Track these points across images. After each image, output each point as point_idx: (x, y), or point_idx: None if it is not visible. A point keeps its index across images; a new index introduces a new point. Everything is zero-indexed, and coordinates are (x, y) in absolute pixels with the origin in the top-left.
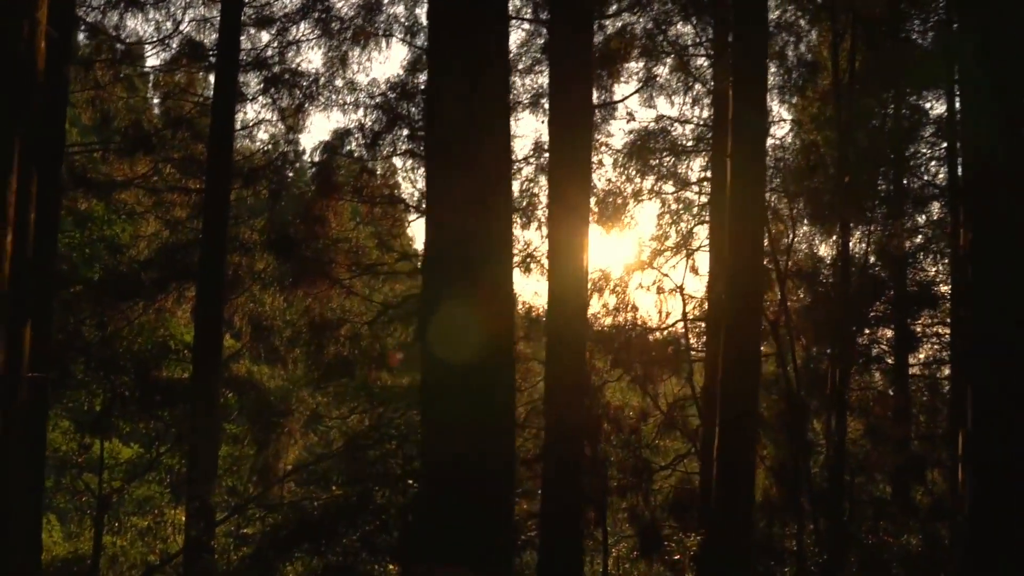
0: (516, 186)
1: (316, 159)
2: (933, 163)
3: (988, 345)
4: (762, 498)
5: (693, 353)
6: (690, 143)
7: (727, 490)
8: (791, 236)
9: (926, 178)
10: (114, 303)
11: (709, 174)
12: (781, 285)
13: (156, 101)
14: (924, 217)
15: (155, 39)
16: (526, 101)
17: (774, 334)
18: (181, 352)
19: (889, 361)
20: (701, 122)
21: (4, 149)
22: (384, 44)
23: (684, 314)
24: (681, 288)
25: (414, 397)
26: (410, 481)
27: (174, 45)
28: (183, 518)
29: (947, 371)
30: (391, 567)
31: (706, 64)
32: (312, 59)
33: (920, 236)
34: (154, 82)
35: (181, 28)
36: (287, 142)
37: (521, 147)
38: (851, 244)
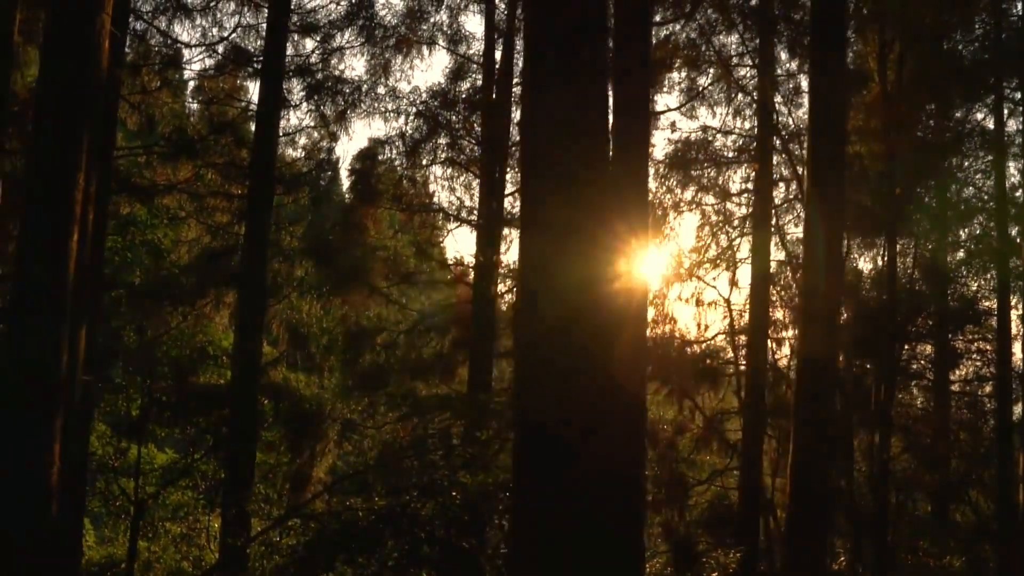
0: None
1: (356, 166)
2: (979, 176)
3: None
4: (773, 520)
5: (732, 367)
6: (732, 154)
7: (803, 518)
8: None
9: (971, 190)
10: (154, 308)
11: (750, 185)
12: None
13: (199, 107)
14: (966, 231)
15: (202, 44)
16: None
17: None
18: (219, 358)
19: (929, 377)
20: (744, 133)
21: (74, 146)
22: (427, 52)
23: (731, 327)
24: (728, 301)
25: (455, 407)
26: (454, 493)
27: (220, 51)
28: (217, 525)
29: (988, 388)
30: None
31: (750, 75)
32: (355, 66)
33: (962, 251)
34: (198, 87)
35: (227, 35)
36: (329, 149)
37: None
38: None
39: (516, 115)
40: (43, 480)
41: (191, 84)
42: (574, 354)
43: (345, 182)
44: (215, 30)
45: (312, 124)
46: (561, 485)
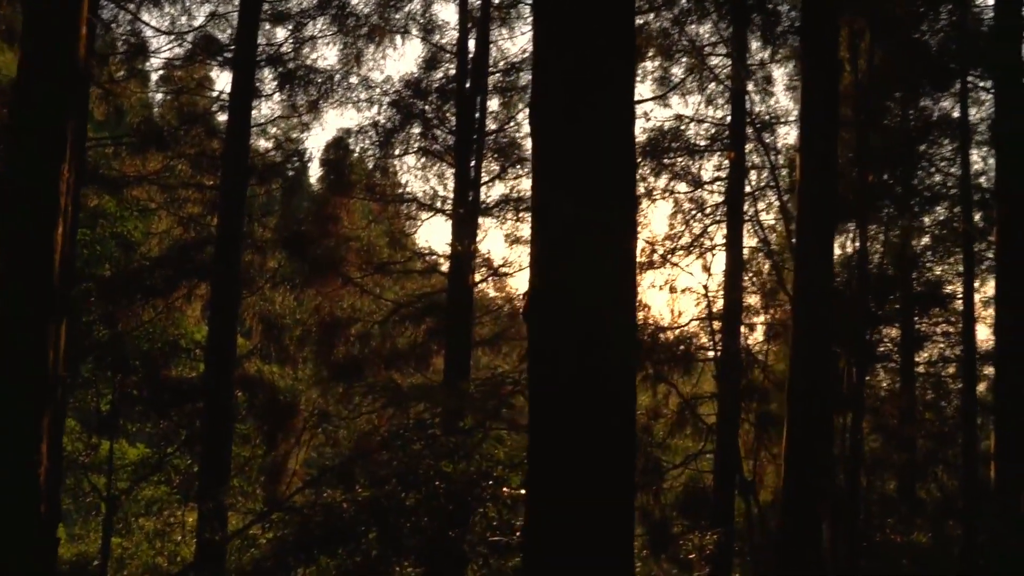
0: (529, 184)
1: (329, 156)
2: (944, 163)
3: None
4: (773, 497)
5: (706, 353)
6: (704, 142)
7: (798, 498)
8: None
9: (937, 178)
10: (124, 301)
11: (723, 173)
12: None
13: (168, 97)
14: (931, 218)
15: (171, 33)
16: None
17: (786, 335)
18: (192, 351)
19: (895, 359)
20: (716, 121)
21: (58, 136)
22: (400, 41)
23: (709, 312)
24: (705, 287)
25: (436, 396)
26: (437, 483)
27: (190, 40)
28: (192, 519)
29: (952, 369)
30: (410, 569)
31: (722, 63)
32: (327, 56)
33: (928, 236)
34: (166, 77)
35: (197, 23)
36: (301, 139)
37: None
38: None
39: (492, 104)
40: (31, 479)
41: (156, 74)
42: (585, 339)
43: (318, 172)
44: (184, 18)
45: (284, 114)
46: (571, 452)
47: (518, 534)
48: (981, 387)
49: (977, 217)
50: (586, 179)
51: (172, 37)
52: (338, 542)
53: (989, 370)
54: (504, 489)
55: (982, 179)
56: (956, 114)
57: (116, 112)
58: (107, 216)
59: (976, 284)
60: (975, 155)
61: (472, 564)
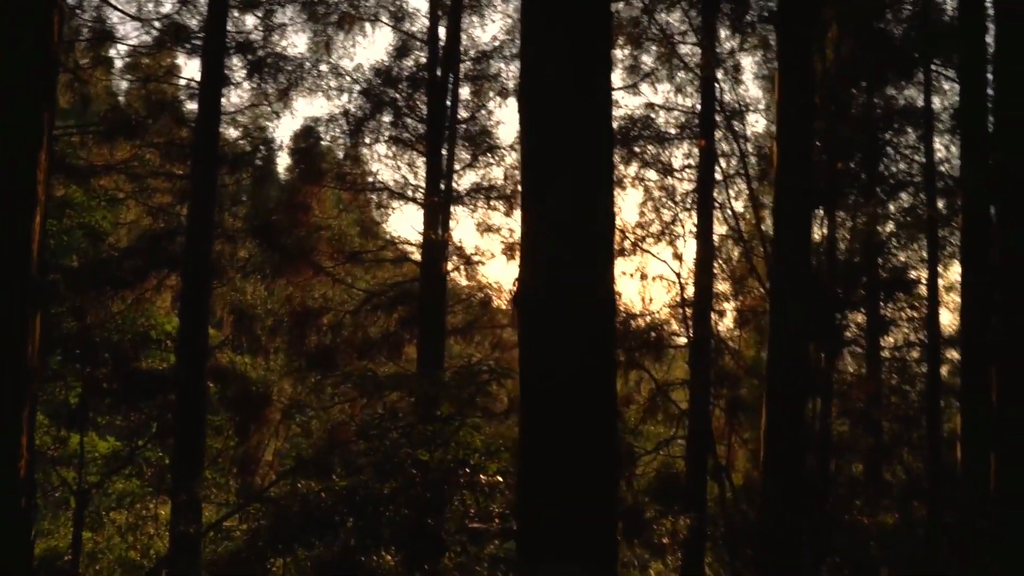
0: (500, 173)
1: (299, 145)
2: (908, 151)
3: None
4: (744, 481)
5: (678, 339)
6: (674, 130)
7: (778, 482)
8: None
9: (902, 166)
10: (93, 292)
11: (693, 161)
12: (768, 270)
13: (135, 85)
14: (895, 205)
15: (138, 19)
16: (512, 87)
17: (756, 321)
18: (163, 342)
19: (862, 344)
20: (686, 110)
21: (35, 125)
22: (370, 29)
23: (682, 299)
24: (678, 274)
25: (412, 385)
26: (414, 471)
27: (157, 27)
28: (164, 512)
29: (916, 354)
30: (388, 557)
31: (692, 52)
32: (297, 43)
33: (892, 223)
34: (133, 65)
35: (164, 9)
36: (271, 128)
37: (506, 134)
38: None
39: (463, 93)
40: (12, 473)
41: (123, 61)
42: (572, 327)
43: (288, 161)
44: (151, 4)
45: (254, 102)
46: (558, 435)
47: (496, 520)
48: (943, 370)
49: (940, 204)
50: (580, 166)
51: (139, 23)
52: (316, 532)
53: (952, 354)
54: (481, 476)
55: (944, 166)
56: (920, 103)
57: (82, 100)
58: (74, 206)
59: (939, 270)
60: (938, 143)
61: (450, 551)
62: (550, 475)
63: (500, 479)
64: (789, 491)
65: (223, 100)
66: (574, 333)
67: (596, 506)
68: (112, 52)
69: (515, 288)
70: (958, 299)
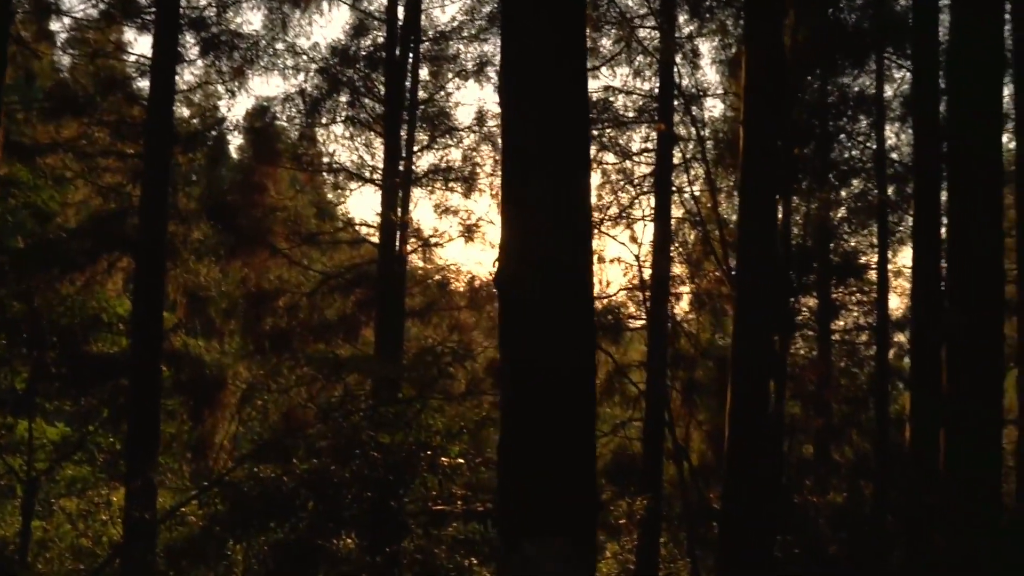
0: (459, 154)
1: (255, 125)
2: (860, 137)
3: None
4: (699, 462)
5: (635, 322)
6: (632, 114)
7: (743, 459)
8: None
9: (854, 152)
10: (40, 274)
11: (651, 145)
12: (724, 255)
13: (82, 61)
14: (847, 191)
15: None
16: (471, 68)
17: (712, 304)
18: (115, 325)
19: (814, 327)
20: (644, 93)
21: None
22: (327, 7)
23: (641, 282)
24: (637, 257)
25: (373, 368)
26: (375, 453)
27: (105, 0)
28: (116, 499)
29: (864, 337)
30: (348, 540)
31: (651, 35)
32: (252, 21)
33: (844, 208)
34: (81, 39)
35: None
36: (225, 107)
37: (465, 115)
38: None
39: (422, 74)
40: None
41: (65, 35)
42: (558, 307)
43: (242, 141)
44: None
45: (208, 81)
46: (542, 416)
47: (459, 503)
48: (890, 354)
49: (890, 190)
50: (561, 154)
51: None
52: (276, 516)
53: (899, 337)
54: (443, 459)
55: (894, 154)
56: (872, 91)
57: (26, 75)
58: (19, 185)
59: (890, 255)
60: (888, 131)
61: (412, 533)
62: (533, 455)
63: (462, 461)
64: (752, 473)
65: (176, 78)
66: (556, 316)
67: (578, 485)
68: (57, 26)
69: (495, 270)
70: (906, 284)
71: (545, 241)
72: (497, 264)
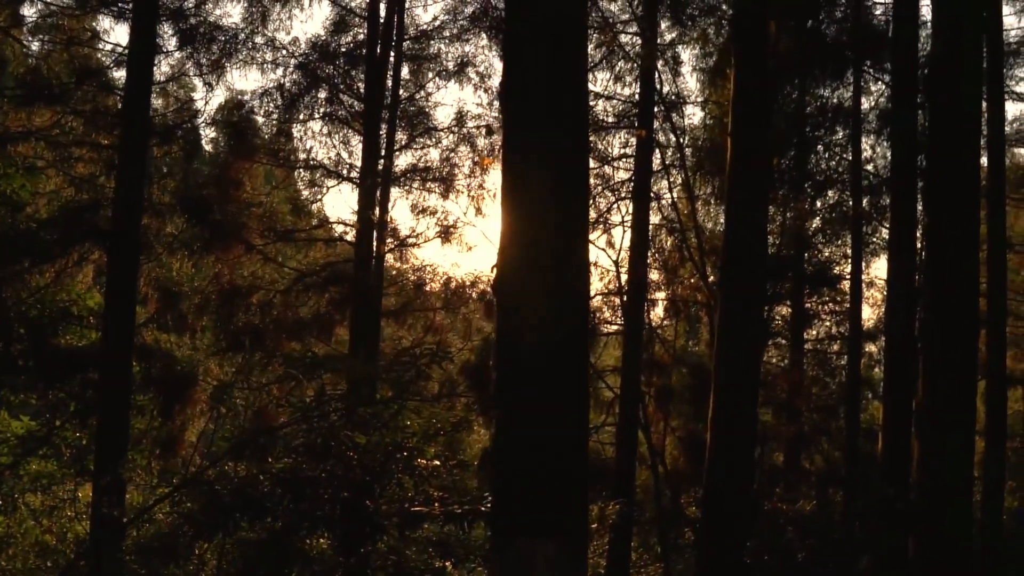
0: (437, 154)
1: (232, 119)
2: (837, 149)
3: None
4: (671, 468)
5: (611, 327)
6: (612, 119)
7: (728, 459)
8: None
9: (832, 163)
10: (9, 265)
11: (630, 151)
12: (700, 262)
13: (58, 48)
14: (821, 202)
15: None
16: (451, 68)
17: (686, 311)
18: (85, 318)
19: (787, 336)
20: (624, 99)
21: None
22: (307, 1)
23: (620, 287)
24: (616, 263)
25: (353, 368)
26: (351, 454)
27: None
28: (82, 495)
29: (836, 347)
30: (322, 541)
31: (632, 42)
32: (232, 13)
33: (819, 219)
34: (56, 26)
35: None
36: (203, 100)
37: (444, 115)
38: None
39: (402, 72)
40: None
41: (39, 21)
42: (555, 312)
43: (219, 135)
44: None
45: (185, 72)
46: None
47: (436, 505)
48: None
49: (864, 202)
50: (560, 161)
51: None
52: (249, 515)
53: (870, 347)
54: (420, 460)
55: (870, 166)
56: (850, 103)
57: None
58: None
59: (863, 266)
60: (864, 143)
61: (387, 535)
62: (528, 456)
63: (438, 463)
64: (732, 481)
65: (153, 69)
66: (553, 321)
67: (571, 487)
68: (30, 11)
69: (493, 275)
70: (878, 295)
71: (545, 249)
72: (495, 270)
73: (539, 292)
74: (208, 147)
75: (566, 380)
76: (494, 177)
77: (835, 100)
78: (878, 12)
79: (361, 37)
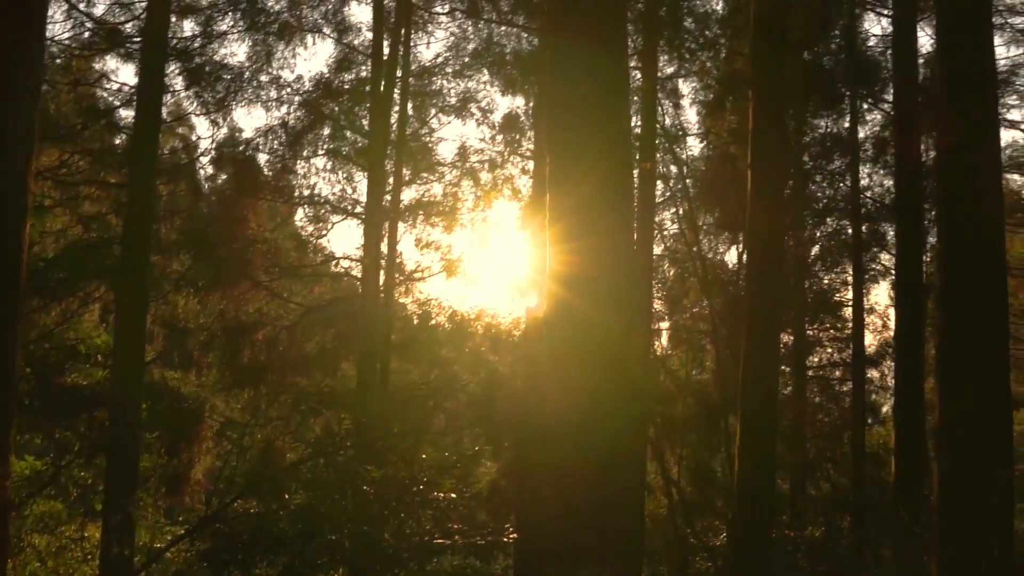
0: (440, 189)
1: (237, 156)
2: (836, 177)
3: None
4: (678, 497)
5: None
6: None
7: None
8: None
9: (830, 192)
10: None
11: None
12: (705, 290)
13: (66, 88)
14: (821, 230)
15: (69, 19)
16: (454, 104)
17: (690, 340)
18: (93, 357)
19: (789, 364)
20: None
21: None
22: (311, 40)
23: None
24: None
25: (366, 401)
26: (364, 488)
27: (89, 28)
28: (88, 534)
29: (838, 373)
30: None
31: (633, 76)
32: (236, 52)
33: (818, 246)
34: (64, 67)
35: (97, 11)
36: (208, 138)
37: (447, 150)
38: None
39: (411, 108)
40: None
41: (48, 62)
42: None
43: (225, 172)
44: (83, 5)
45: (192, 111)
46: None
47: (457, 536)
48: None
49: (864, 228)
50: (601, 186)
51: (70, 24)
52: (266, 552)
53: (872, 373)
54: (438, 493)
55: (867, 193)
56: (846, 132)
57: None
58: None
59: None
60: (862, 171)
61: (406, 568)
62: (590, 486)
63: (454, 496)
64: (759, 511)
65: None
66: (601, 354)
67: (628, 517)
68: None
69: (536, 308)
70: (877, 321)
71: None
72: (540, 303)
73: (590, 329)
74: (217, 185)
75: (622, 412)
76: (497, 210)
77: (835, 129)
78: (871, 43)
79: (364, 74)
